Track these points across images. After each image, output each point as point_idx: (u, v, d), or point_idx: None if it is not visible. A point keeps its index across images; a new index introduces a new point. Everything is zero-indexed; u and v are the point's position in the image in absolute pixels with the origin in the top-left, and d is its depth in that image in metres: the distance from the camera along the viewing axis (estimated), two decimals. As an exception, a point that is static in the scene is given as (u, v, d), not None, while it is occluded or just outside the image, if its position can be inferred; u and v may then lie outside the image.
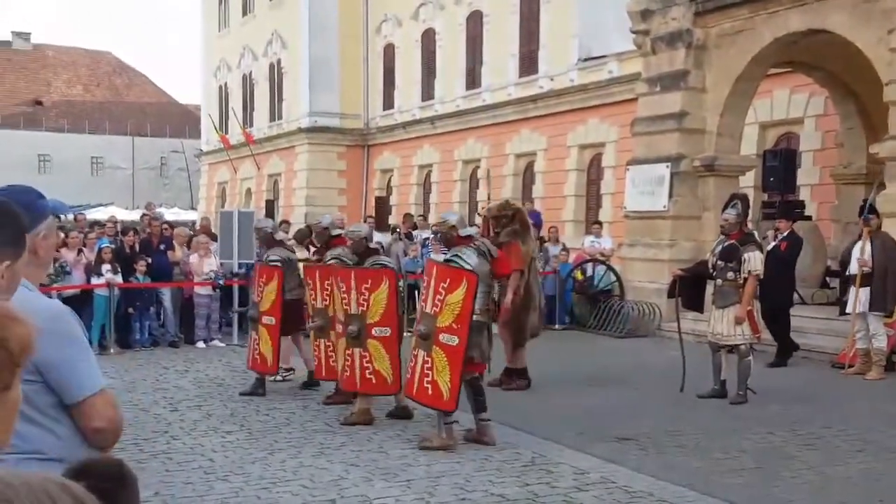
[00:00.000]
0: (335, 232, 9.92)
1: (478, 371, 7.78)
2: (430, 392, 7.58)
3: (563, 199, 22.31)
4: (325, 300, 9.27)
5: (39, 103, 60.20)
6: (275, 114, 34.57)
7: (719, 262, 9.54)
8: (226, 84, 38.59)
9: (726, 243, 9.55)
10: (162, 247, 14.37)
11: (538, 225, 17.84)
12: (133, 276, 13.36)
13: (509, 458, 7.21)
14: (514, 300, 9.73)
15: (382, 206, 23.39)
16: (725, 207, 9.81)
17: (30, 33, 65.24)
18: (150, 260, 13.63)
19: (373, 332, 8.18)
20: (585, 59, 22.10)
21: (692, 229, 15.28)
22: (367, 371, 8.25)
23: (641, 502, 6.07)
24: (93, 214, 31.61)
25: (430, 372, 7.55)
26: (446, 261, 7.74)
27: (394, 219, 28.07)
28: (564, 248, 16.68)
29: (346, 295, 8.31)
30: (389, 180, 30.78)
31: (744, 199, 9.90)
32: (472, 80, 26.33)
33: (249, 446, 7.62)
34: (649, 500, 6.10)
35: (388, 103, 30.53)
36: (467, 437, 7.70)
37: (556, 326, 15.76)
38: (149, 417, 8.79)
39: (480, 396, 7.74)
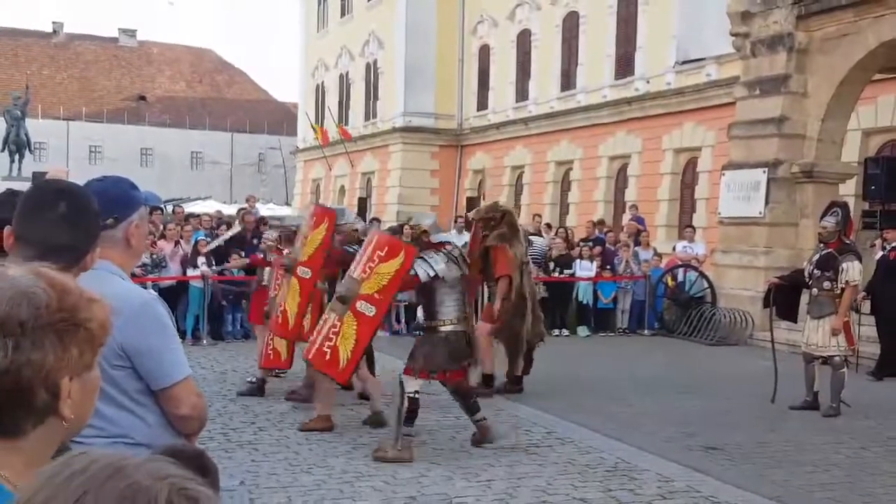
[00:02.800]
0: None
1: (457, 378, 7.50)
2: (327, 357, 7.19)
3: (656, 204, 21.96)
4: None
5: (143, 99, 62.33)
6: (370, 113, 35.01)
7: (816, 272, 9.24)
8: (323, 83, 39.27)
9: (824, 252, 9.25)
10: (255, 241, 14.68)
11: (642, 229, 17.63)
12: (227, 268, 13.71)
13: (592, 462, 7.14)
14: (501, 306, 9.50)
15: (474, 206, 23.42)
16: (824, 215, 9.50)
17: (136, 30, 67.55)
18: (243, 253, 13.96)
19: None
20: (683, 62, 21.70)
21: (789, 237, 14.86)
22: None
23: (726, 515, 5.94)
24: (192, 208, 32.56)
25: (334, 337, 7.16)
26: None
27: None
28: (656, 254, 16.42)
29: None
30: (481, 180, 30.82)
31: (844, 206, 9.56)
32: (567, 81, 26.16)
33: (333, 440, 7.73)
34: (735, 513, 5.96)
35: (482, 104, 30.58)
36: (473, 442, 7.58)
37: (645, 332, 15.55)
38: (237, 408, 9.00)
39: (471, 399, 7.60)
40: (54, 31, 64.39)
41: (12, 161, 34.52)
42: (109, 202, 2.48)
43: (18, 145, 35.00)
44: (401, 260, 7.02)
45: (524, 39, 28.22)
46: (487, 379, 9.82)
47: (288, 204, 43.66)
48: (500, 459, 7.21)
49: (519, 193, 28.60)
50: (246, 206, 18.50)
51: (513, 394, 9.92)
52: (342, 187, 36.86)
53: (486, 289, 10.16)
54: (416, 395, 7.22)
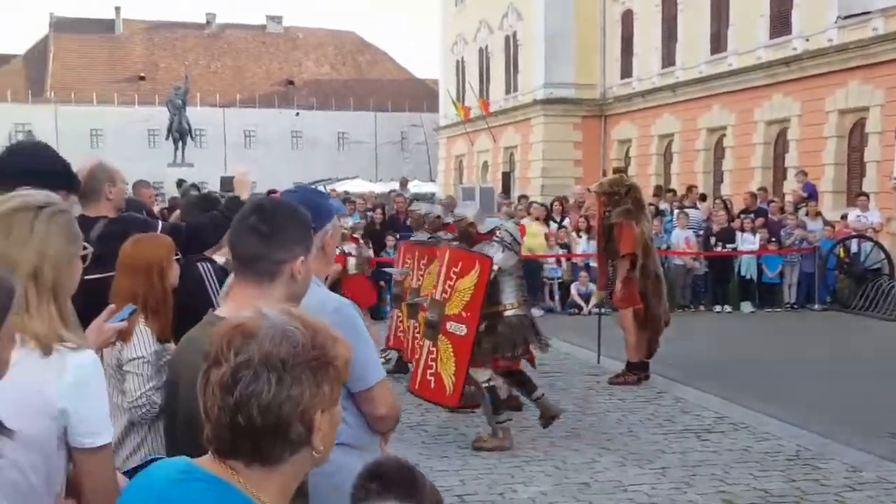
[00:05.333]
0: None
1: (513, 367, 7.21)
2: (432, 385, 6.94)
3: (820, 169, 20.79)
4: (420, 280, 8.65)
5: (291, 83, 64.20)
6: (510, 86, 34.78)
7: None
8: (462, 58, 39.29)
9: None
10: (408, 222, 14.83)
11: (813, 197, 16.73)
12: (384, 250, 13.90)
13: (771, 450, 6.82)
14: (630, 287, 9.02)
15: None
16: None
17: (282, 17, 69.70)
18: (398, 235, 14.12)
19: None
20: (846, 17, 20.38)
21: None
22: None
23: (928, 509, 5.55)
24: (340, 187, 33.38)
25: (434, 363, 6.90)
26: None
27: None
28: (826, 223, 15.53)
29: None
30: (628, 151, 30.12)
31: None
32: (717, 44, 25.10)
33: (500, 423, 7.69)
34: (937, 508, 5.55)
35: (626, 72, 29.81)
36: (543, 423, 7.23)
37: (816, 307, 14.80)
38: (402, 387, 9.10)
39: (527, 384, 7.28)
40: (207, 22, 67.12)
41: (176, 148, 36.32)
42: (308, 210, 2.50)
43: (181, 133, 36.81)
44: (477, 272, 6.70)
45: (670, 2, 27.26)
46: (640, 366, 9.37)
47: (432, 180, 44.09)
48: (672, 445, 6.99)
49: (668, 163, 27.78)
50: (397, 187, 18.72)
51: (631, 384, 9.22)
52: (485, 163, 36.86)
53: (609, 268, 9.63)
54: (492, 384, 6.97)
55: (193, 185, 17.95)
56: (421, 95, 61.82)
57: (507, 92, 34.92)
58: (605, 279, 9.73)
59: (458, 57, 39.77)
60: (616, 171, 24.32)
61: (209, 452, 1.43)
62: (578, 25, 30.48)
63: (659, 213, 15.71)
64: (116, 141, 56.06)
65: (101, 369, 2.15)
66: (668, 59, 27.45)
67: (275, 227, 2.20)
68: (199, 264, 4.16)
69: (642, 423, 7.69)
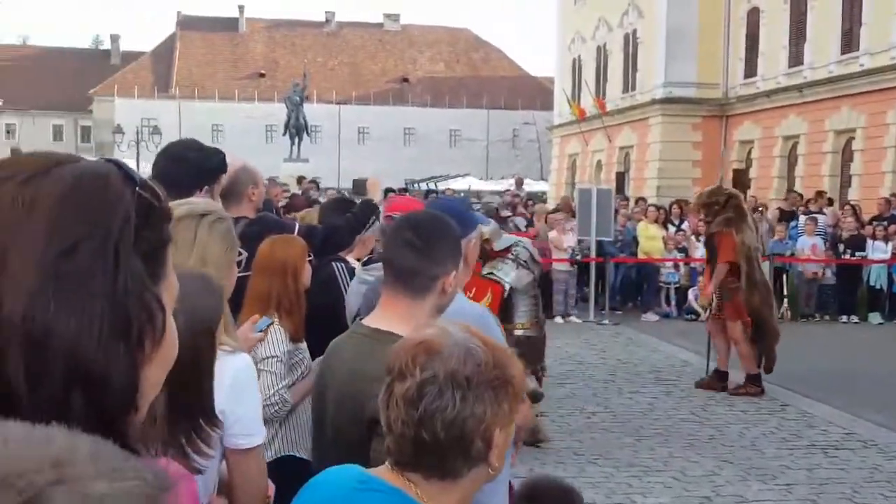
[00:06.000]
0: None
1: None
2: None
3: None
4: None
5: (406, 80, 64.95)
6: (628, 85, 34.25)
7: None
8: (579, 56, 38.92)
9: None
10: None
11: None
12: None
13: (904, 470, 6.52)
14: (736, 299, 8.80)
15: (741, 179, 22.26)
16: None
17: (399, 14, 70.47)
18: (512, 234, 14.13)
19: None
20: None
21: None
22: None
23: None
24: (451, 184, 33.64)
25: None
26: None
27: (753, 193, 26.76)
28: None
29: None
30: (749, 152, 29.25)
31: None
32: (849, 42, 24.09)
33: (616, 430, 7.61)
34: None
35: (750, 71, 28.94)
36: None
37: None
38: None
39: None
40: (326, 20, 68.61)
41: (292, 144, 37.28)
42: (453, 220, 2.53)
43: (298, 129, 37.78)
44: (489, 299, 6.43)
45: (798, 0, 26.33)
46: (755, 378, 9.08)
47: (543, 179, 43.88)
48: (798, 461, 6.76)
49: (792, 165, 26.83)
50: (511, 186, 18.72)
51: (755, 395, 8.97)
52: (599, 162, 36.43)
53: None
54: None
55: (313, 181, 18.40)
56: (534, 93, 61.60)
57: (625, 91, 34.41)
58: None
59: (574, 55, 39.41)
60: (737, 172, 23.65)
61: (386, 463, 1.47)
62: (701, 23, 29.75)
63: (785, 218, 15.20)
64: (235, 136, 57.96)
65: (255, 372, 2.22)
66: (796, 58, 26.52)
67: (431, 242, 2.23)
68: (333, 264, 4.25)
69: (765, 436, 7.46)
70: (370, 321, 2.30)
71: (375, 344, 2.16)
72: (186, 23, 65.94)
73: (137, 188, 0.84)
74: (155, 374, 0.85)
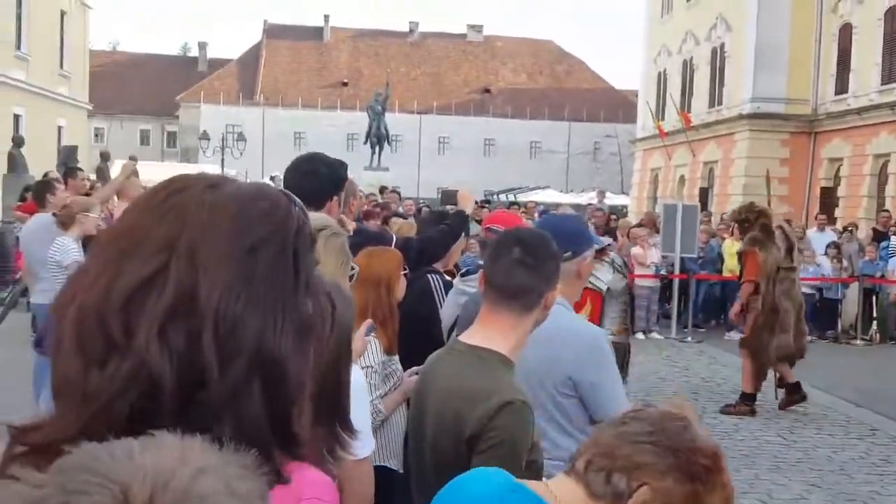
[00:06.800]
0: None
1: None
2: None
3: None
4: None
5: (488, 91, 65.10)
6: (714, 100, 33.73)
7: None
8: (665, 70, 38.50)
9: None
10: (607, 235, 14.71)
11: None
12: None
13: None
14: (755, 318, 8.71)
15: (829, 197, 21.72)
16: None
17: (482, 25, 70.72)
18: (595, 248, 14.05)
19: None
20: None
21: None
22: None
23: None
24: (530, 196, 33.55)
25: None
26: None
27: (841, 212, 26.07)
28: None
29: None
30: (838, 170, 28.50)
31: None
32: (947, 59, 23.34)
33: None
34: None
35: (841, 87, 28.22)
36: None
37: None
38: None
39: None
40: (410, 30, 69.26)
41: (373, 153, 37.68)
42: (567, 238, 2.61)
43: (379, 138, 38.18)
44: (588, 310, 6.30)
45: (894, 16, 25.59)
46: (746, 398, 8.99)
47: (624, 193, 43.45)
48: (888, 487, 6.62)
49: (882, 184, 26.04)
50: (592, 199, 18.61)
51: (742, 415, 8.84)
52: (682, 177, 35.93)
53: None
54: None
55: (394, 191, 18.61)
56: (617, 106, 61.10)
57: (711, 105, 33.89)
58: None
59: (660, 68, 39.00)
60: (825, 190, 23.05)
61: (544, 480, 1.52)
62: (792, 39, 29.15)
63: (876, 238, 14.80)
64: (317, 144, 58.75)
65: (366, 384, 2.28)
66: (890, 75, 25.77)
67: (539, 260, 2.25)
68: (428, 276, 4.31)
69: (854, 461, 7.30)
70: (468, 337, 2.30)
71: (473, 361, 2.19)
72: (273, 31, 67.27)
73: (296, 207, 0.92)
74: (311, 384, 0.91)
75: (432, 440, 2.21)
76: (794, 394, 9.03)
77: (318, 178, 3.50)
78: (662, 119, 35.99)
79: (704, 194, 31.31)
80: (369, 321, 3.13)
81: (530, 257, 2.24)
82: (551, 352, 2.62)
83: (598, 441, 1.44)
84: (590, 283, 6.27)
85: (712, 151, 33.24)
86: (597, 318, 6.46)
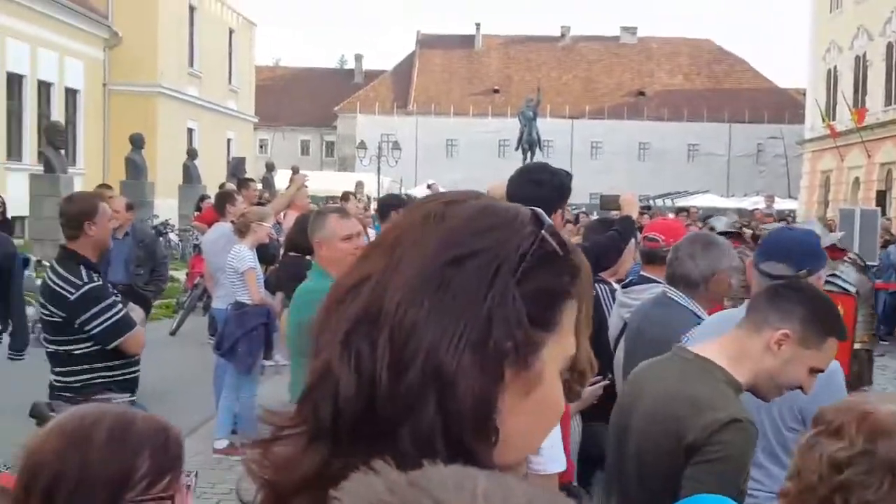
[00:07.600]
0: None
1: None
2: None
3: None
4: None
5: (642, 94, 63.86)
6: (891, 97, 31.81)
7: None
8: (835, 67, 36.65)
9: None
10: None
11: None
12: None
13: None
14: None
15: None
16: None
17: (636, 27, 69.50)
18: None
19: None
20: None
21: None
22: None
23: None
24: (689, 201, 32.50)
25: None
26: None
27: None
28: None
29: None
30: None
31: None
32: None
33: None
34: None
35: None
36: None
37: None
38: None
39: None
40: (562, 35, 68.91)
41: (525, 159, 37.62)
42: (804, 254, 2.44)
43: (531, 144, 38.13)
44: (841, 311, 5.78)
45: None
46: None
47: (791, 197, 41.55)
48: None
49: None
50: (760, 205, 17.78)
51: None
52: (856, 179, 34.02)
53: None
54: None
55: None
56: (782, 106, 58.64)
57: (887, 103, 31.97)
58: None
59: (829, 65, 37.15)
60: None
61: None
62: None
63: None
64: (469, 151, 59.42)
65: None
66: None
67: (790, 301, 2.16)
68: (596, 286, 4.12)
69: None
70: (698, 347, 2.25)
71: (698, 370, 2.14)
72: (426, 41, 68.46)
73: (544, 231, 0.88)
74: (526, 421, 0.86)
75: (638, 442, 2.18)
76: None
77: (544, 187, 3.42)
78: (833, 119, 34.21)
79: (882, 197, 29.51)
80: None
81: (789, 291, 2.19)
82: None
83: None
84: (837, 285, 5.82)
85: (889, 152, 31.33)
86: (851, 326, 5.57)
